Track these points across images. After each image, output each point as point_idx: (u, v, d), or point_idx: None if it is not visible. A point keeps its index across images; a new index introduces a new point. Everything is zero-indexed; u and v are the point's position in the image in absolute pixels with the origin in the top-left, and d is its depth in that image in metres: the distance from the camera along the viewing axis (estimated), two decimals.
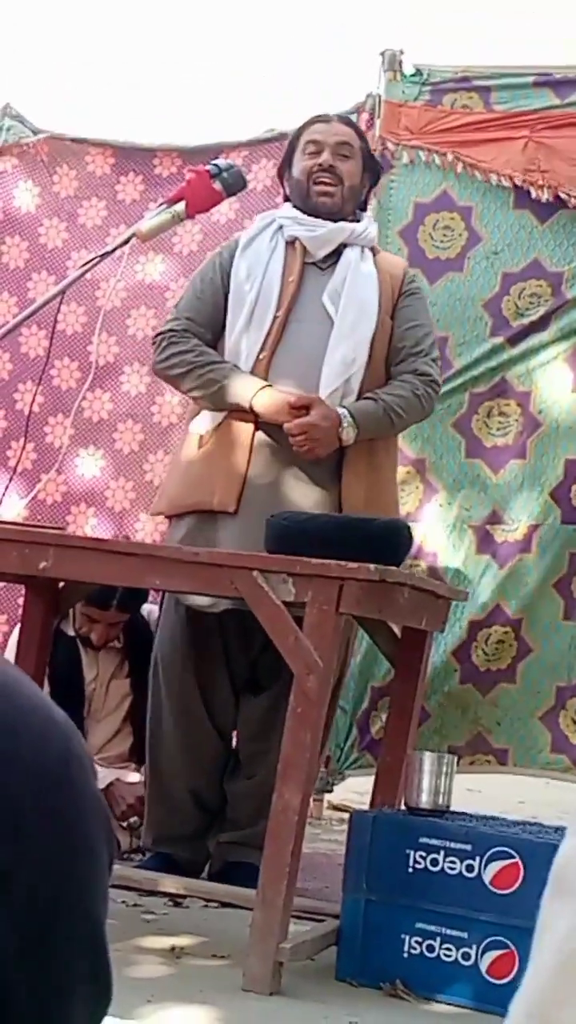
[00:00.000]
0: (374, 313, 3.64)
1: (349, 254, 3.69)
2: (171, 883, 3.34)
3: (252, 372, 3.57)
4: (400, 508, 3.92)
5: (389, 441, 3.70)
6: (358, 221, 3.75)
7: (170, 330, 3.68)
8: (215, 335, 3.66)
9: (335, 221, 3.69)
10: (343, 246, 3.70)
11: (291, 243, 3.70)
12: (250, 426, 3.54)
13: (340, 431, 3.48)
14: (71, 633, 4.22)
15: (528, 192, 4.41)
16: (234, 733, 3.80)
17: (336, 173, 3.70)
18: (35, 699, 0.70)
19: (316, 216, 3.70)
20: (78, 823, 0.69)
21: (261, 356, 3.58)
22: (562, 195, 4.37)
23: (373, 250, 3.78)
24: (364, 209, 3.86)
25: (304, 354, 3.59)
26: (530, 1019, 0.74)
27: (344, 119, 3.89)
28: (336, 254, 3.70)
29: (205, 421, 3.62)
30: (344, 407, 3.51)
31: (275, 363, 3.58)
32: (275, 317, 3.61)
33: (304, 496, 3.50)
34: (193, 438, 3.65)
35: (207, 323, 3.67)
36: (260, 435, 3.54)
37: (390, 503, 3.69)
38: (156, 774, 3.69)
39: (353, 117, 4.67)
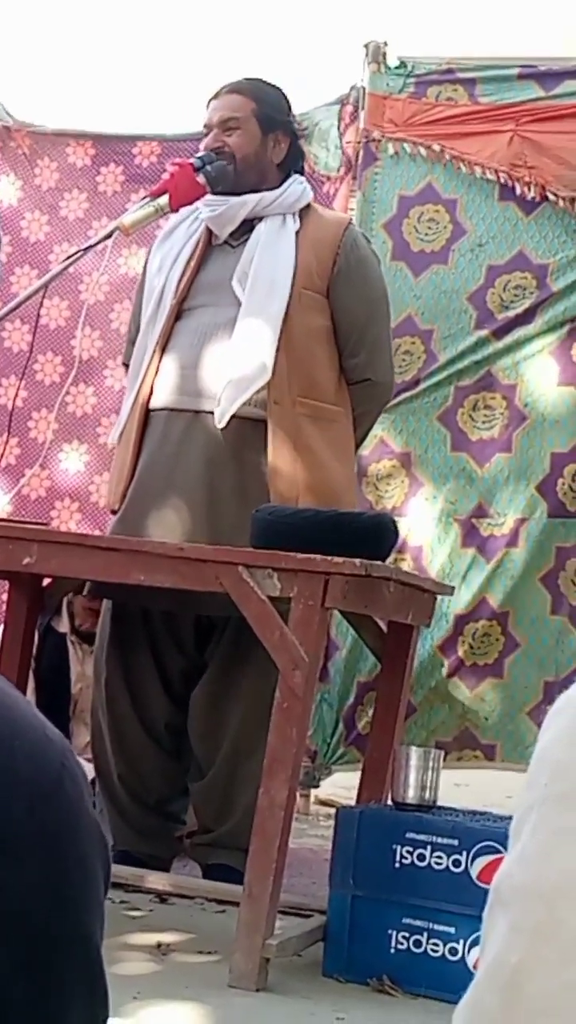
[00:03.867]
0: (286, 287, 3.43)
1: (261, 228, 3.49)
2: (156, 879, 3.32)
3: (147, 367, 3.48)
4: (356, 496, 3.68)
5: (329, 424, 3.50)
6: (276, 188, 3.52)
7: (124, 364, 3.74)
8: None
9: (240, 195, 3.47)
10: (257, 220, 3.50)
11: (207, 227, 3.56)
12: (137, 422, 3.49)
13: None
14: (62, 630, 4.20)
15: (513, 187, 4.39)
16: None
17: (224, 151, 3.51)
18: (30, 717, 0.69)
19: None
20: (72, 840, 0.69)
21: (156, 349, 3.48)
22: (549, 194, 4.35)
23: (304, 212, 3.54)
24: (300, 171, 3.63)
25: (203, 340, 3.44)
26: None
27: (234, 87, 3.59)
28: (250, 230, 3.51)
29: (114, 431, 3.61)
30: None
31: (167, 354, 3.48)
32: (171, 306, 3.49)
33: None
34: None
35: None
36: (149, 429, 3.49)
37: (338, 489, 3.46)
38: (95, 765, 3.62)
39: (336, 109, 4.66)
